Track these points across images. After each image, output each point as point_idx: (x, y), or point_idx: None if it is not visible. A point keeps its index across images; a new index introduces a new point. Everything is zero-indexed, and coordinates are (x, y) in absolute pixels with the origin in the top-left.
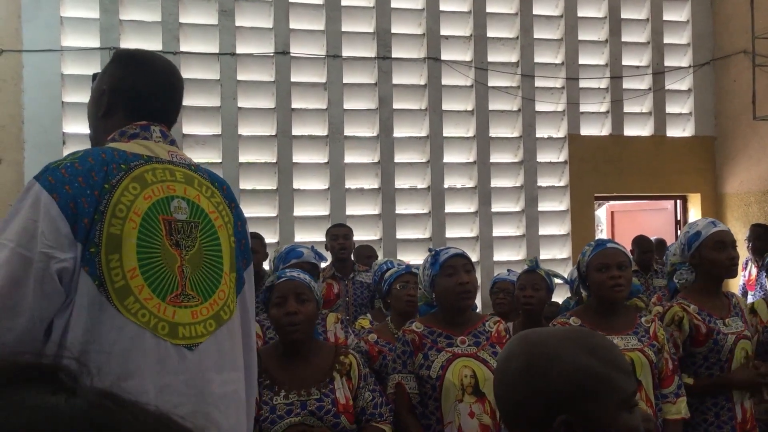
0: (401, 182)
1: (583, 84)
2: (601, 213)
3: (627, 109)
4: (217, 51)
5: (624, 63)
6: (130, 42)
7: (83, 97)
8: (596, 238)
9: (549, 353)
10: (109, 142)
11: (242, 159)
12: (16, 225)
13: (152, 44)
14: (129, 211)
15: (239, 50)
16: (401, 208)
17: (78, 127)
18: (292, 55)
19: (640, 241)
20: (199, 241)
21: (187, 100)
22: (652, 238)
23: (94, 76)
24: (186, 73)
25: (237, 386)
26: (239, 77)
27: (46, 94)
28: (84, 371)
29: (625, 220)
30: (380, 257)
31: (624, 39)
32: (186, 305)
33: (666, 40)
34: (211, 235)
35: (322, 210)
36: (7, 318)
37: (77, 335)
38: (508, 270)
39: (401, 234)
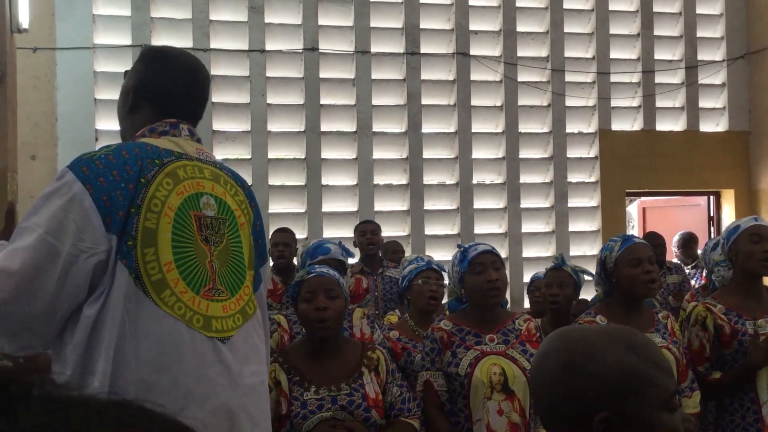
0: (429, 178)
1: (614, 78)
2: (633, 209)
3: (659, 103)
4: (247, 48)
5: (656, 57)
6: (161, 39)
7: (115, 94)
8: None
9: (589, 350)
10: (138, 137)
11: (271, 155)
12: (47, 212)
13: (183, 41)
14: (164, 206)
15: (268, 47)
16: (429, 204)
17: (110, 123)
18: (320, 51)
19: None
20: (226, 237)
21: (217, 97)
22: (681, 232)
23: (126, 73)
24: (216, 70)
25: (263, 378)
26: (268, 74)
27: (78, 91)
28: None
29: (657, 217)
30: (408, 253)
31: (656, 33)
32: (217, 299)
33: (699, 34)
34: (235, 233)
35: (350, 206)
36: (23, 301)
37: (114, 327)
38: (546, 268)
39: (429, 230)
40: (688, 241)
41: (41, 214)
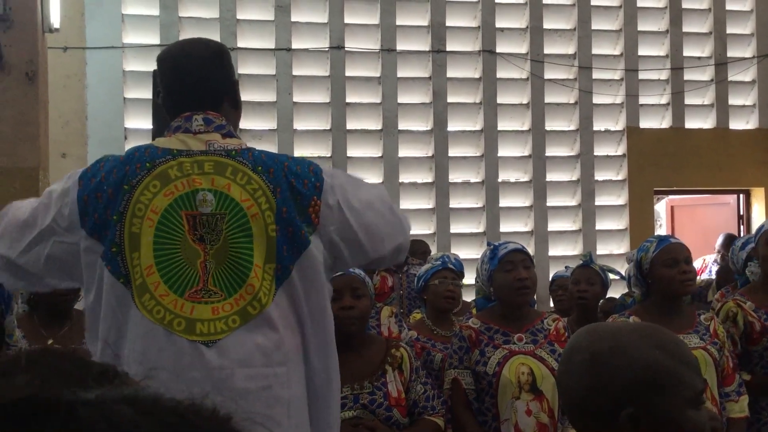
0: (455, 176)
1: (642, 75)
2: (660, 207)
3: (688, 101)
4: (273, 46)
5: (685, 54)
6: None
7: (144, 93)
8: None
9: (616, 346)
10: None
11: (297, 153)
12: (46, 191)
13: None
14: (147, 210)
15: (295, 45)
16: (455, 202)
17: (139, 122)
18: (346, 49)
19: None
20: (224, 233)
21: (244, 96)
22: (722, 234)
23: (154, 73)
24: (242, 69)
25: (270, 382)
26: (294, 72)
27: (108, 90)
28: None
29: (685, 215)
30: (434, 251)
31: (685, 29)
32: (206, 301)
33: (729, 30)
34: (242, 226)
35: None
36: (8, 247)
37: (110, 333)
38: (566, 267)
39: (455, 228)
40: (727, 242)
41: (43, 193)
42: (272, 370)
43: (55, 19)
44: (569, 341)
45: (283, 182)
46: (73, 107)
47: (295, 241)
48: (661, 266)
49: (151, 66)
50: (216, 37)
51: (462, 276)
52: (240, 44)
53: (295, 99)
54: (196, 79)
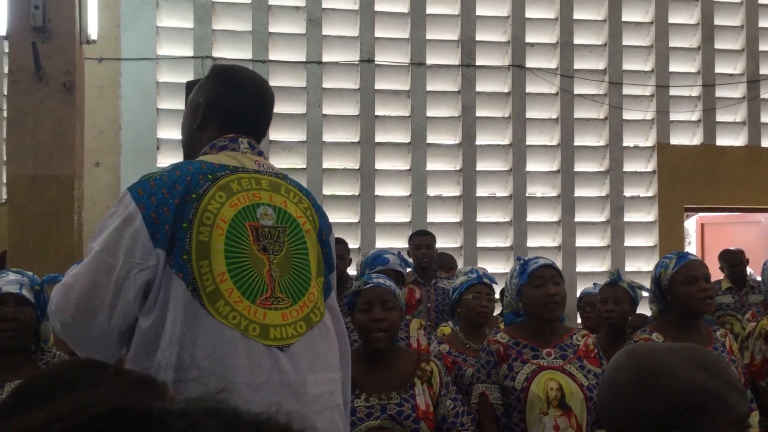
0: (483, 190)
1: (673, 92)
2: (690, 225)
3: (720, 118)
4: (304, 59)
5: (717, 71)
6: (222, 51)
7: (177, 104)
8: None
9: (661, 368)
10: (202, 154)
11: (326, 165)
12: (105, 232)
13: (243, 53)
14: (216, 219)
15: (325, 58)
16: (482, 217)
17: (171, 133)
18: (376, 63)
19: (727, 255)
20: (287, 245)
21: (274, 108)
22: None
23: (188, 84)
24: (273, 81)
25: (332, 388)
26: (325, 85)
27: (142, 101)
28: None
29: (716, 233)
30: (460, 265)
31: (717, 46)
32: (276, 307)
33: (762, 47)
34: (299, 239)
35: (403, 217)
36: (86, 317)
37: (174, 340)
38: (594, 284)
39: (482, 242)
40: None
41: (101, 234)
42: (331, 375)
43: (92, 30)
44: (610, 362)
45: (319, 209)
46: (107, 117)
47: (329, 262)
48: (681, 284)
49: (184, 78)
50: (248, 50)
51: (494, 291)
52: (272, 57)
53: (325, 111)
54: (256, 107)
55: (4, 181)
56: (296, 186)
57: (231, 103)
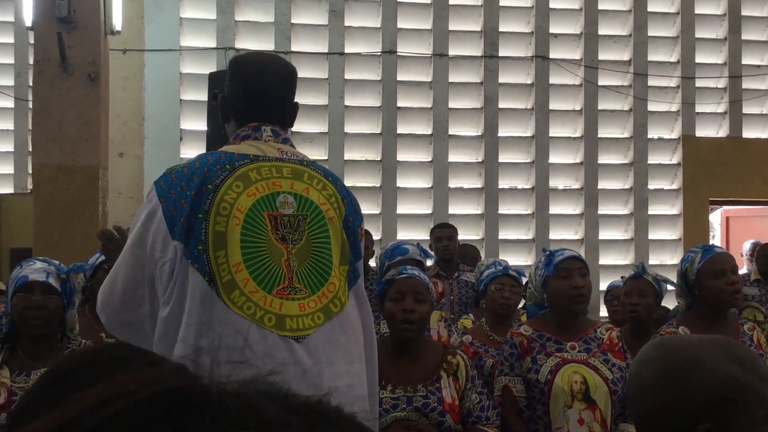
0: (505, 182)
1: (699, 83)
2: (714, 218)
3: (746, 110)
4: (327, 50)
5: (744, 62)
6: (244, 42)
7: (200, 95)
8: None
9: (690, 359)
10: (227, 145)
11: (347, 156)
12: (136, 226)
13: (265, 44)
14: (232, 209)
15: (348, 50)
16: (504, 209)
17: (195, 124)
18: (398, 54)
19: (762, 248)
20: (306, 233)
21: (297, 99)
22: (748, 242)
23: (210, 75)
24: None
25: (352, 381)
26: (347, 76)
27: (165, 91)
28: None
29: (741, 226)
30: (482, 257)
31: (744, 37)
32: (293, 297)
33: None
34: (321, 227)
35: (424, 208)
36: (131, 312)
37: (191, 330)
38: (621, 277)
39: (503, 234)
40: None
41: (133, 229)
42: (352, 367)
43: (117, 21)
44: (638, 354)
45: (347, 196)
46: (131, 108)
47: (355, 250)
48: (709, 277)
49: (207, 69)
50: (271, 41)
51: (520, 284)
52: (294, 48)
53: (347, 102)
54: (274, 94)
55: (30, 171)
56: (322, 172)
57: (243, 93)
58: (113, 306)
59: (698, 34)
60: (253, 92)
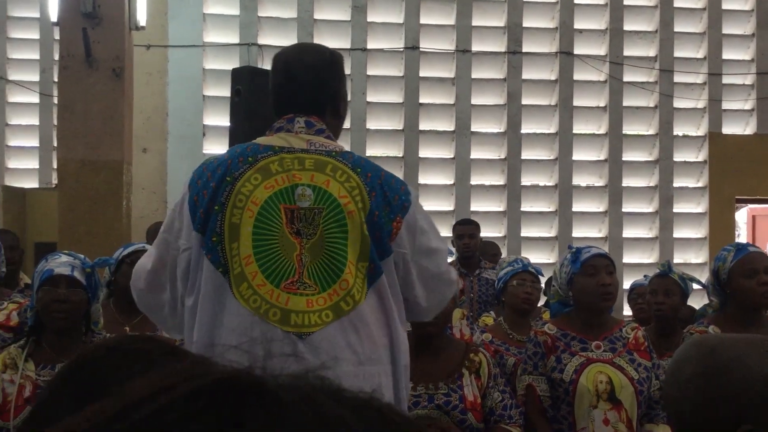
0: (528, 179)
1: (726, 80)
2: (740, 216)
3: None
4: (349, 46)
5: None
6: (267, 38)
7: (223, 91)
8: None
9: (730, 358)
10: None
11: (369, 152)
12: (169, 211)
13: (288, 40)
14: (247, 201)
15: (370, 45)
16: (527, 206)
17: (217, 119)
18: (421, 50)
19: None
20: (321, 228)
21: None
22: None
23: (234, 71)
24: None
25: (361, 383)
26: (369, 72)
27: (188, 87)
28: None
29: (767, 225)
30: (504, 254)
31: None
32: (302, 293)
33: None
34: (338, 222)
35: (446, 205)
36: (155, 293)
37: (205, 320)
38: (645, 276)
39: (526, 232)
40: None
41: (167, 215)
42: (363, 369)
43: (141, 17)
44: (675, 354)
45: (378, 188)
46: (154, 103)
47: (380, 245)
48: (740, 276)
49: (230, 65)
50: (294, 36)
51: (539, 280)
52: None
53: (369, 99)
54: (303, 84)
55: (55, 166)
56: (350, 163)
57: (275, 85)
58: (140, 286)
59: (725, 30)
60: (283, 84)
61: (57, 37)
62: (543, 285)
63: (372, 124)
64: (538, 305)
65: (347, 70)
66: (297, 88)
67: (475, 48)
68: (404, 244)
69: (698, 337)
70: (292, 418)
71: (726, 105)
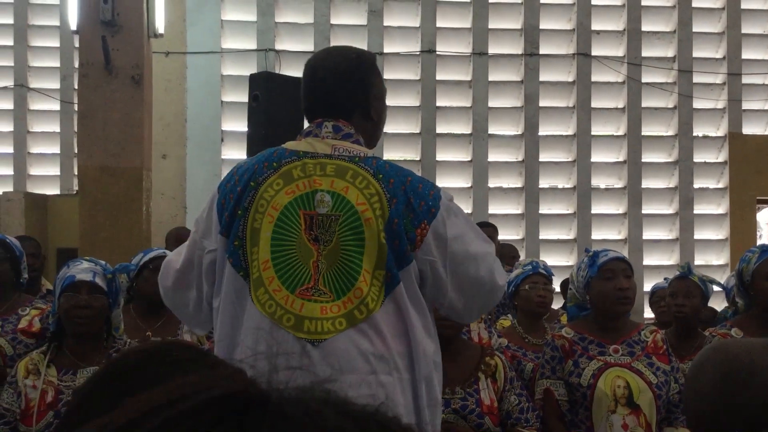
0: (546, 182)
1: (746, 80)
2: (762, 217)
3: None
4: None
5: None
6: (284, 43)
7: (241, 96)
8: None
9: (751, 364)
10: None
11: (386, 156)
12: (200, 212)
13: (305, 45)
14: (268, 206)
15: (386, 49)
16: (545, 208)
17: (236, 125)
18: (438, 53)
19: None
20: (337, 235)
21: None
22: None
23: (251, 77)
24: None
25: (375, 391)
26: (386, 76)
27: (207, 93)
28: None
29: None
30: (522, 257)
31: None
32: (316, 300)
33: None
34: (355, 229)
35: (464, 208)
36: (182, 290)
37: (226, 322)
38: (665, 278)
39: (544, 234)
40: None
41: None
42: (376, 378)
43: (160, 24)
44: (695, 359)
45: (401, 195)
46: (173, 110)
47: (399, 254)
48: (763, 279)
49: (248, 70)
50: (311, 42)
51: (551, 282)
52: None
53: (387, 102)
54: (327, 88)
55: (76, 172)
56: (372, 169)
57: (303, 90)
58: (167, 284)
59: (744, 30)
60: (310, 89)
61: (77, 45)
62: (554, 286)
63: (389, 128)
64: (555, 307)
65: None
66: (323, 93)
67: (491, 51)
68: (432, 251)
69: (719, 342)
70: (294, 431)
71: (746, 105)
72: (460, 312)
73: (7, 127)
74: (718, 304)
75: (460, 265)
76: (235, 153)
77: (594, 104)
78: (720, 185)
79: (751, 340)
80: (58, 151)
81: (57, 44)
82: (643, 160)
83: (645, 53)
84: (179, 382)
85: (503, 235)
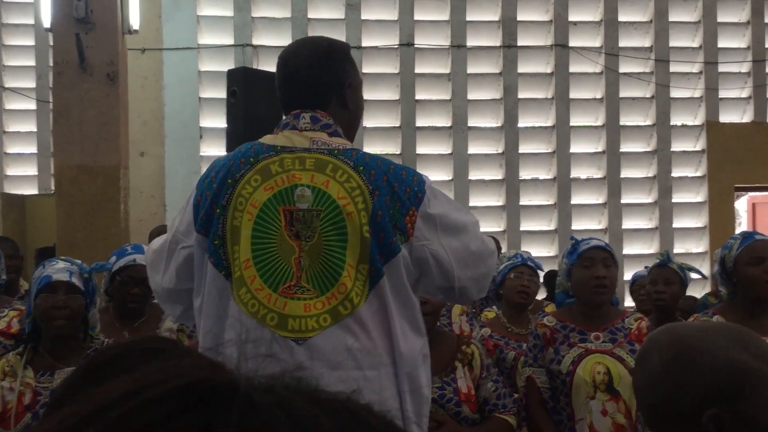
0: (526, 173)
1: (722, 68)
2: (741, 205)
3: None
4: None
5: None
6: (261, 39)
7: (219, 92)
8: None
9: (697, 345)
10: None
11: (366, 150)
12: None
13: (282, 40)
14: (247, 203)
15: (365, 43)
16: (526, 200)
17: (214, 122)
18: (416, 46)
19: None
20: (319, 231)
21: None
22: None
23: (229, 72)
24: None
25: (361, 386)
26: (364, 70)
27: (184, 90)
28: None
29: (767, 212)
30: (504, 249)
31: None
32: (299, 297)
33: None
34: (337, 224)
35: None
36: (151, 273)
37: (209, 323)
38: (645, 266)
39: (525, 226)
40: None
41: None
42: (362, 373)
43: (134, 20)
44: (645, 341)
45: (383, 186)
46: (150, 107)
47: (384, 246)
48: (745, 265)
49: (226, 66)
50: (288, 36)
51: (537, 274)
52: None
53: (365, 96)
54: (301, 78)
55: (53, 172)
56: (352, 162)
57: (277, 82)
58: (147, 262)
59: (720, 18)
60: (283, 81)
61: (51, 43)
62: (542, 279)
63: (369, 122)
64: (540, 299)
65: None
66: (297, 83)
67: (470, 43)
68: (425, 235)
69: (666, 326)
70: (263, 420)
71: (723, 93)
72: (472, 290)
73: None
74: (697, 292)
75: (453, 239)
76: (214, 149)
77: (572, 95)
78: (698, 174)
79: (697, 322)
80: (35, 151)
81: (32, 42)
82: (621, 150)
83: (622, 43)
84: (145, 370)
85: (485, 227)
